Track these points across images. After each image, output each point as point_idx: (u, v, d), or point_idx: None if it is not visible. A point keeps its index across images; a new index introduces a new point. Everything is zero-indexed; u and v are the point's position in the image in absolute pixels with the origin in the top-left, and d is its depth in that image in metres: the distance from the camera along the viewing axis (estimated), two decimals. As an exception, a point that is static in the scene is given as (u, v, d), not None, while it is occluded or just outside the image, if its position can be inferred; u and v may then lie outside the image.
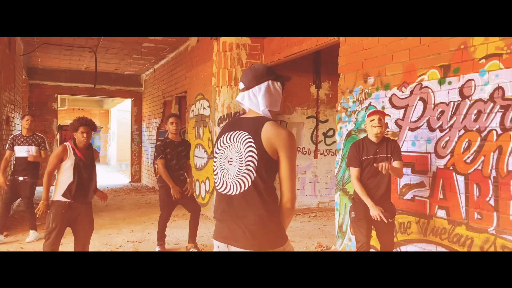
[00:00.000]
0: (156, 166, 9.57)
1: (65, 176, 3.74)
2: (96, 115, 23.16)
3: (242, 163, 1.86)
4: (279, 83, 1.99)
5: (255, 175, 1.84)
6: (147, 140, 12.10)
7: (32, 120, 5.67)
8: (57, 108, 12.18)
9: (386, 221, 3.48)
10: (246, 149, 1.86)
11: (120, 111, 21.23)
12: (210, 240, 5.54)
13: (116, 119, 21.42)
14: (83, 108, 22.27)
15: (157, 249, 4.99)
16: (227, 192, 1.91)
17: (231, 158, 1.90)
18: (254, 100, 1.95)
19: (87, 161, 3.80)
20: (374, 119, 3.54)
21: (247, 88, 1.97)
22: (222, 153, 1.96)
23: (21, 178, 5.54)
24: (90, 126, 3.80)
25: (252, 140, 1.85)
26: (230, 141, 1.93)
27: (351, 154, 3.66)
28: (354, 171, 3.63)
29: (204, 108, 7.38)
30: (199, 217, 4.99)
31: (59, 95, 12.30)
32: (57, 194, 3.75)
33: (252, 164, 1.84)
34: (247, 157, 1.85)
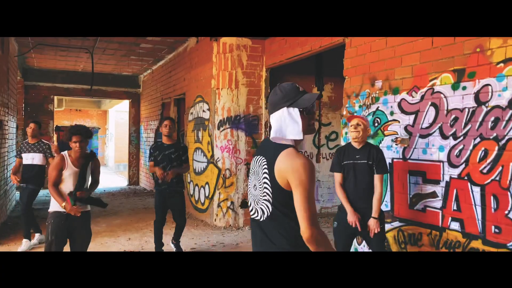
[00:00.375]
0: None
1: (63, 186, 3.62)
2: (94, 116, 22.90)
3: (261, 192, 1.87)
4: (295, 109, 1.84)
5: (272, 206, 1.83)
6: (145, 142, 11.89)
7: (36, 127, 5.61)
8: (54, 110, 11.96)
9: (360, 229, 3.46)
10: (262, 179, 1.86)
11: (118, 111, 21.07)
12: (210, 249, 5.34)
13: (114, 120, 21.23)
14: (80, 109, 22.02)
15: None
16: (254, 217, 1.94)
17: (255, 185, 1.93)
18: (273, 127, 1.91)
19: (82, 170, 3.64)
20: (352, 124, 3.55)
21: (269, 114, 1.95)
22: (251, 176, 2.00)
23: (24, 185, 5.47)
24: (83, 135, 3.60)
25: (267, 171, 1.83)
26: (255, 166, 1.94)
27: (334, 159, 3.71)
28: (336, 176, 3.66)
29: (203, 111, 7.18)
30: (182, 229, 5.11)
31: (55, 96, 12.08)
32: (54, 204, 3.62)
33: (267, 195, 1.84)
34: (263, 187, 1.85)
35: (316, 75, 7.39)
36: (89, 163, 3.73)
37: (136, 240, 5.78)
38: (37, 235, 5.49)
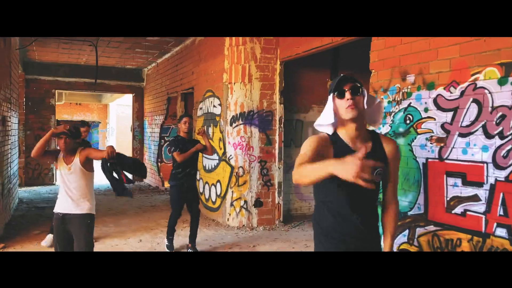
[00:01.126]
0: (160, 164, 9.11)
1: (60, 185, 3.42)
2: (94, 110, 22.60)
3: None
4: (330, 95, 1.94)
5: None
6: (150, 137, 11.62)
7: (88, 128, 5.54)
8: (55, 104, 11.66)
9: None
10: None
11: (119, 105, 20.79)
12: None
13: (115, 114, 20.95)
14: (80, 103, 21.72)
15: (166, 243, 5.12)
16: None
17: None
18: None
19: (71, 167, 3.37)
20: None
21: None
22: None
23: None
24: (67, 134, 3.34)
25: None
26: None
27: None
28: None
29: (214, 106, 6.89)
30: (198, 221, 5.13)
31: (57, 90, 11.77)
32: (56, 204, 3.45)
33: None
34: None
35: (332, 68, 7.11)
36: (78, 160, 3.41)
37: (147, 242, 5.53)
38: (48, 236, 5.24)
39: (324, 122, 1.96)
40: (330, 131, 1.97)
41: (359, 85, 1.91)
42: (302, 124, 7.06)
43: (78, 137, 3.47)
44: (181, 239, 5.52)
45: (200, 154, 5.81)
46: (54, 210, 3.43)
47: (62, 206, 3.37)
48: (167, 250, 5.08)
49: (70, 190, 3.36)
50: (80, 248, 3.35)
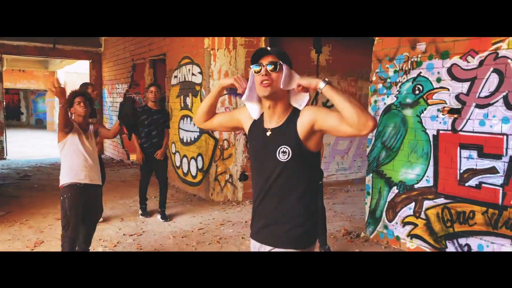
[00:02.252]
0: (122, 136, 8.59)
1: (74, 155, 3.29)
2: (40, 78, 20.88)
3: None
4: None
5: None
6: (110, 107, 10.88)
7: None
8: (2, 70, 10.52)
9: None
10: None
11: (67, 73, 19.44)
12: (219, 229, 4.84)
13: (63, 82, 19.53)
14: (24, 70, 19.96)
15: (140, 212, 5.25)
16: None
17: None
18: None
19: (89, 136, 3.43)
20: None
21: None
22: None
23: None
24: (86, 97, 3.41)
25: None
26: None
27: None
28: None
29: (193, 74, 6.44)
30: (166, 188, 5.25)
31: (3, 55, 10.60)
32: (67, 176, 3.28)
33: None
34: None
35: (315, 37, 6.85)
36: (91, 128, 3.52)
37: (130, 221, 5.14)
38: None
39: (243, 98, 1.83)
40: (255, 114, 1.84)
41: (278, 60, 1.70)
42: (285, 94, 6.81)
43: (93, 102, 3.46)
44: (153, 206, 5.59)
45: (175, 126, 5.48)
46: (67, 181, 3.25)
47: (83, 176, 3.28)
48: (143, 217, 5.20)
49: (90, 159, 3.33)
50: (97, 217, 3.62)
